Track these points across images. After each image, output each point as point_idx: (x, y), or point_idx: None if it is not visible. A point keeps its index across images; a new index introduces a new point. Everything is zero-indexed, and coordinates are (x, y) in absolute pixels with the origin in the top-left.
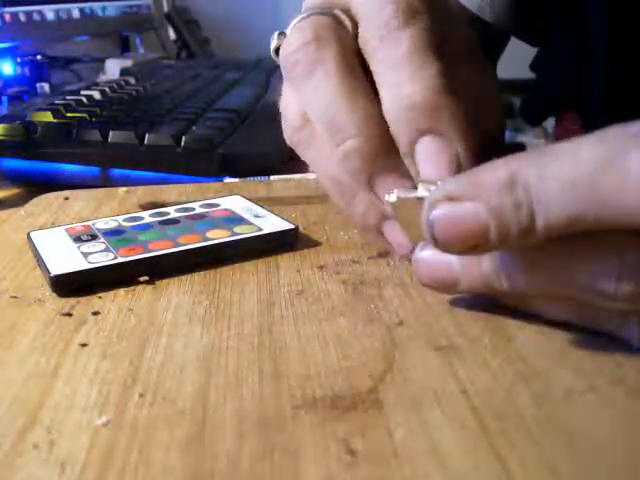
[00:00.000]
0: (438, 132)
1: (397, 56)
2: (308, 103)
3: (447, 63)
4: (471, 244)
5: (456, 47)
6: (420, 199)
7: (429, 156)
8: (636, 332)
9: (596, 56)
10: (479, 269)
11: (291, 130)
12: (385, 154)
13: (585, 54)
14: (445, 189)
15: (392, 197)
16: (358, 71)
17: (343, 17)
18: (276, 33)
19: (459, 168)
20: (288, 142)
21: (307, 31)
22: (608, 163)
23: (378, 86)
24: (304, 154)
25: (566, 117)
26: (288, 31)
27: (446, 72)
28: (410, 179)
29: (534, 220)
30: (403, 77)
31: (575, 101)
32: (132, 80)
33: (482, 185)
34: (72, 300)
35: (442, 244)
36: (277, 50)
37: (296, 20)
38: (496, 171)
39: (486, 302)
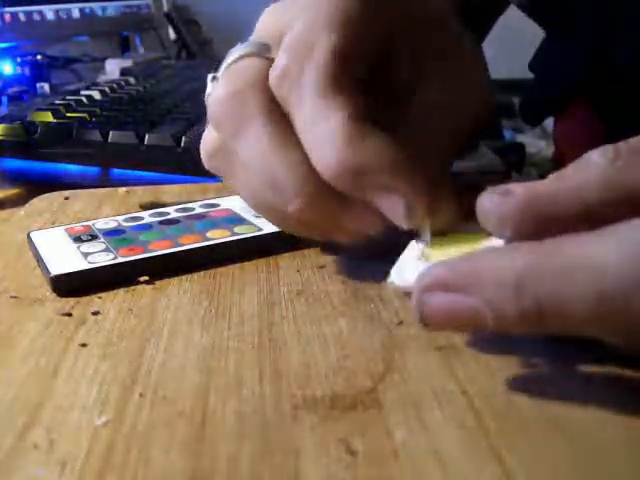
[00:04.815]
0: (385, 188)
1: (327, 128)
2: (243, 161)
3: (416, 45)
4: (465, 329)
5: (426, 25)
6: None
7: (385, 210)
8: None
9: (624, 35)
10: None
11: (206, 156)
12: (336, 205)
13: (610, 32)
14: (437, 276)
15: (388, 281)
16: (287, 120)
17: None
18: (210, 77)
19: (418, 215)
20: (207, 168)
21: (233, 81)
22: (636, 282)
23: (300, 137)
24: (227, 180)
25: (568, 111)
26: (220, 74)
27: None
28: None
29: (542, 319)
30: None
31: (591, 85)
32: (132, 80)
33: (482, 280)
34: (72, 300)
35: (432, 326)
36: None
37: (229, 61)
38: (499, 269)
39: None
